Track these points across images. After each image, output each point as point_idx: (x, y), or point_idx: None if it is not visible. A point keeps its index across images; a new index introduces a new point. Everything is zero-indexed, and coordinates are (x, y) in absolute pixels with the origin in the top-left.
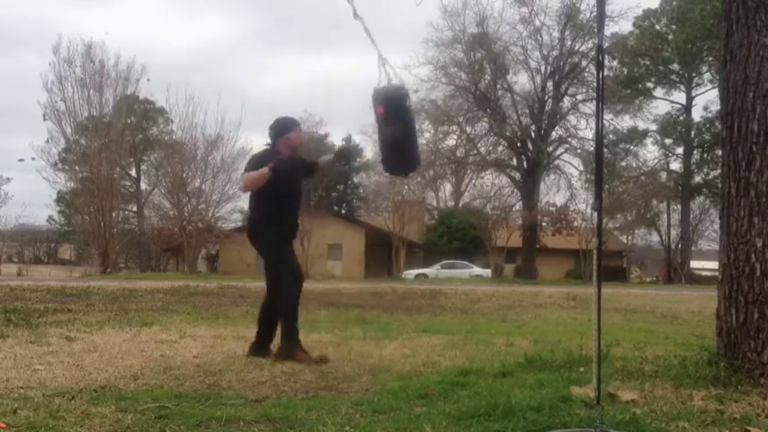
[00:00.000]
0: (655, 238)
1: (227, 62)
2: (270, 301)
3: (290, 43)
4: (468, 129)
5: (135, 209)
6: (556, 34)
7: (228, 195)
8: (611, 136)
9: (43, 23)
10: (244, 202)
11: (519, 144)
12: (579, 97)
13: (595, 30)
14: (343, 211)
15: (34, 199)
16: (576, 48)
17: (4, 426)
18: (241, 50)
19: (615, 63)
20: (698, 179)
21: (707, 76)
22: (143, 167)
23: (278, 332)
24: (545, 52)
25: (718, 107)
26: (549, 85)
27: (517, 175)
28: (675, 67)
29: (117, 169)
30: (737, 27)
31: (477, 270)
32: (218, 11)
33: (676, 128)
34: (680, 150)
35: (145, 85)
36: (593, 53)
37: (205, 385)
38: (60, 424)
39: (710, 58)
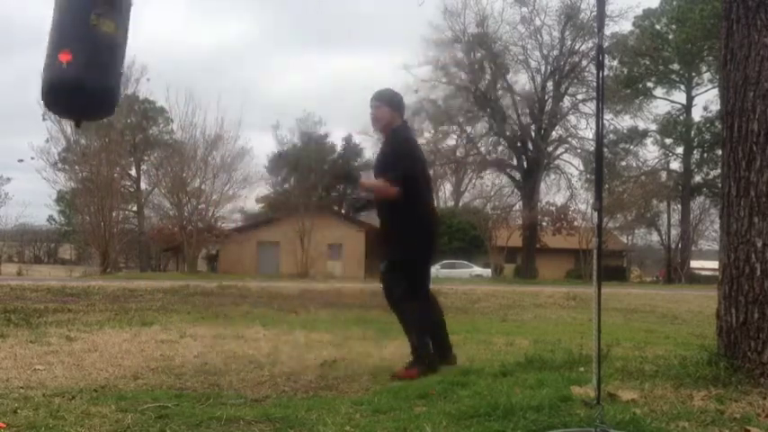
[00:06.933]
0: (655, 237)
1: (226, 62)
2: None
3: (290, 44)
4: (469, 129)
5: (135, 209)
6: (556, 34)
7: (228, 195)
8: (611, 136)
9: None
10: (244, 201)
11: (519, 144)
12: (579, 97)
13: (595, 30)
14: (343, 211)
15: (34, 199)
16: (576, 47)
17: (4, 426)
18: (241, 51)
19: (615, 63)
20: (698, 179)
21: (707, 76)
22: (143, 167)
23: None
24: (545, 52)
25: (718, 107)
26: (549, 84)
27: (517, 175)
28: (675, 67)
29: (117, 169)
30: (737, 27)
31: (477, 270)
32: (217, 11)
33: (676, 128)
34: (680, 150)
35: (145, 84)
36: (593, 53)
37: (205, 385)
38: (60, 424)
39: (710, 58)
